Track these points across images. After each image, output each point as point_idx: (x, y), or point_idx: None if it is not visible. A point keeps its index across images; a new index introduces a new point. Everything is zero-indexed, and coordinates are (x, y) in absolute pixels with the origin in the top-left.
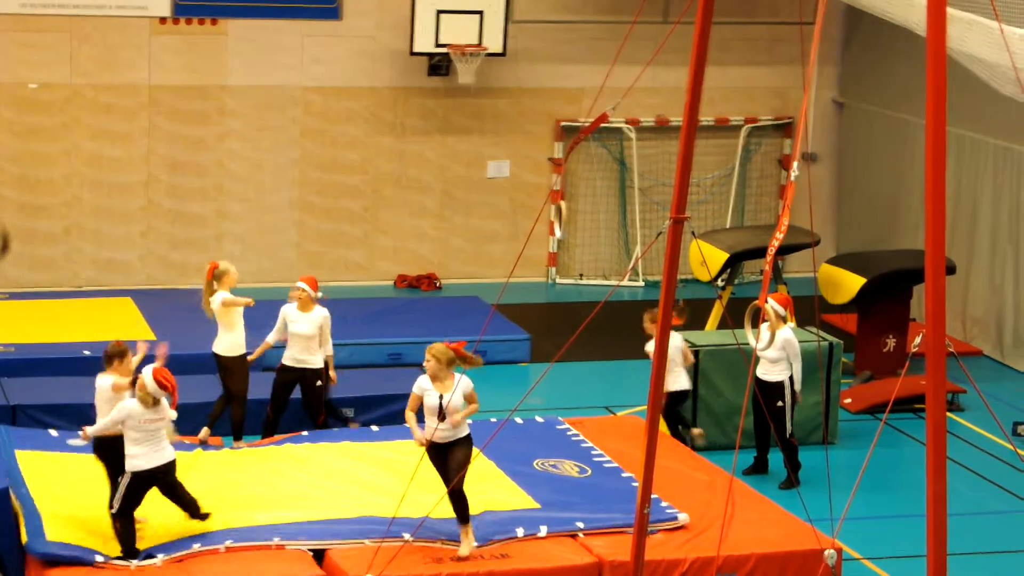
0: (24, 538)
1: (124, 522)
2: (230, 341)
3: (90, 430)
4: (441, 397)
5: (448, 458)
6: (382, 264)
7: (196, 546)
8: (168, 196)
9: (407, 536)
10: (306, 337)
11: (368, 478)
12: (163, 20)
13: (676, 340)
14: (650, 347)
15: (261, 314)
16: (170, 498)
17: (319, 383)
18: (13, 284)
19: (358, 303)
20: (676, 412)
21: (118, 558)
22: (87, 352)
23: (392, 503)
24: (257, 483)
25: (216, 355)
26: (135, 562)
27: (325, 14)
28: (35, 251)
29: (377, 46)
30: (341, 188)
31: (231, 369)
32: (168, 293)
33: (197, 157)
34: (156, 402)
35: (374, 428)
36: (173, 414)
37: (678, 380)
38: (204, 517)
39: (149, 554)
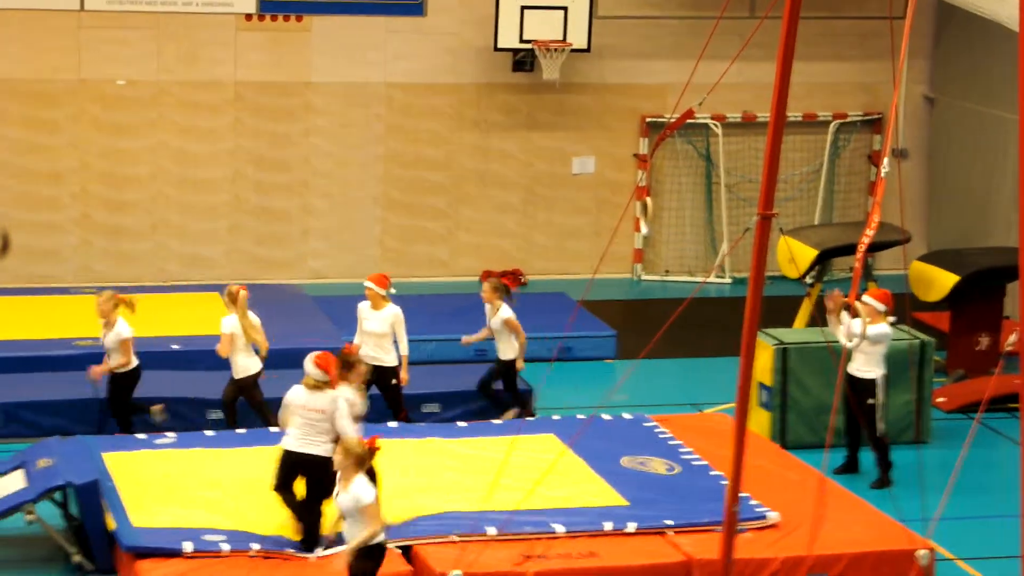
0: (111, 525)
1: (287, 497)
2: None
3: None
4: (337, 495)
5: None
6: (465, 260)
7: (289, 551)
8: (253, 192)
9: (493, 531)
10: (377, 335)
11: (453, 474)
12: (248, 16)
13: (507, 313)
14: (501, 316)
15: (339, 310)
16: (307, 499)
17: (393, 381)
18: (100, 279)
19: (442, 299)
20: (511, 382)
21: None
22: (175, 347)
23: (478, 498)
24: None
25: (246, 378)
26: (256, 547)
27: (409, 10)
28: (122, 247)
29: (461, 42)
30: (424, 184)
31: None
32: (254, 288)
33: (282, 153)
34: (317, 387)
35: (460, 424)
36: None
37: (509, 350)
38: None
39: (249, 543)
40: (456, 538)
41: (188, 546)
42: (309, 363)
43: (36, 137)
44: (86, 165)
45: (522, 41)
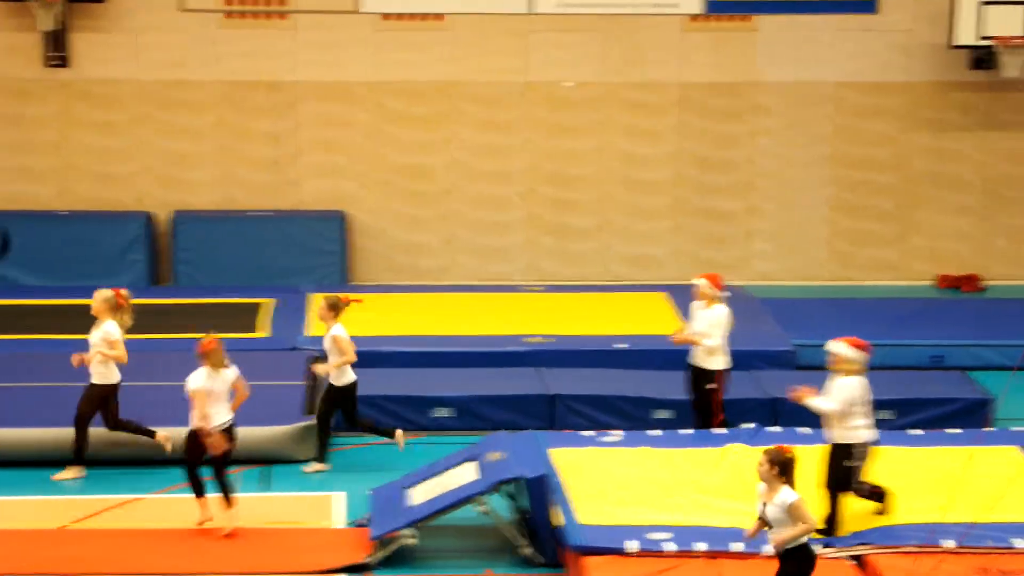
0: (557, 521)
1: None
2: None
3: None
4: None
5: None
6: (917, 264)
7: (738, 545)
8: (696, 193)
9: (951, 543)
10: (701, 335)
11: (904, 483)
12: (695, 17)
13: (338, 331)
14: (331, 333)
15: (786, 312)
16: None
17: (708, 385)
18: (547, 277)
19: (894, 303)
20: (350, 407)
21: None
22: (622, 345)
23: (934, 509)
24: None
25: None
26: (702, 546)
27: (860, 8)
28: (569, 246)
29: (913, 39)
30: (873, 186)
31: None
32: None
33: (727, 154)
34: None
35: (913, 432)
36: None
37: (343, 373)
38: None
39: (693, 543)
40: (912, 548)
41: (633, 545)
42: (844, 347)
43: (488, 138)
44: (534, 166)
45: (981, 37)
